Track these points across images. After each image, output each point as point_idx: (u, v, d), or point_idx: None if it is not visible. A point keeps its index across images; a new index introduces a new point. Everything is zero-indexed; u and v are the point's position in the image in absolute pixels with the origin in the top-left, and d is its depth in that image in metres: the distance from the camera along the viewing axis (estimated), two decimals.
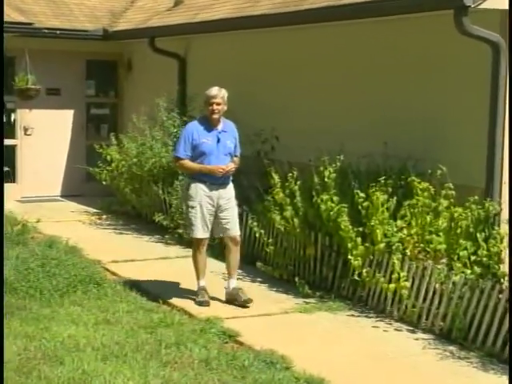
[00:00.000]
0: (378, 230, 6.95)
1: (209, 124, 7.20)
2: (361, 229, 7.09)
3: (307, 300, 7.34)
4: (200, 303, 7.13)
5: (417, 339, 6.41)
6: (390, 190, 7.10)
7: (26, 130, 12.78)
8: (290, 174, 7.84)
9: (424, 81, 7.93)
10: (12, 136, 12.66)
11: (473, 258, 6.56)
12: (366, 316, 6.99)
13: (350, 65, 8.84)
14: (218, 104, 7.11)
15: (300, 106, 9.52)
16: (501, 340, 6.03)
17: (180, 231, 9.34)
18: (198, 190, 7.15)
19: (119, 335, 6.13)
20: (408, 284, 6.74)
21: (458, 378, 5.67)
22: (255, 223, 8.28)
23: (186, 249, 8.93)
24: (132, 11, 13.03)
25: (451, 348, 6.20)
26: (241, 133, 7.47)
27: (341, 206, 7.20)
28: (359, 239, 7.05)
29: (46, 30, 12.00)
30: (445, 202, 6.92)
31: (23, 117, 12.76)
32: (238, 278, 7.51)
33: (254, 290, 7.38)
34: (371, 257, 7.07)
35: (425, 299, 6.68)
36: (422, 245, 6.89)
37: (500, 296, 6.12)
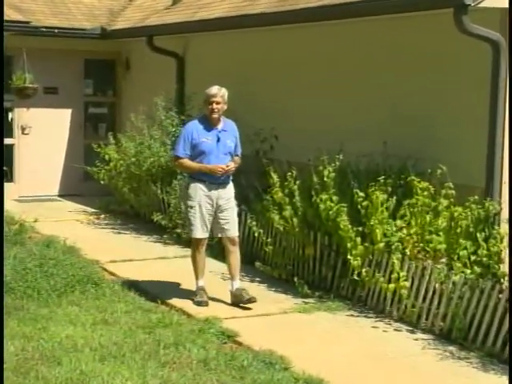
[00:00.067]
0: (377, 230, 6.93)
1: (208, 123, 7.17)
2: (360, 228, 7.07)
3: (306, 300, 7.32)
4: (199, 303, 7.10)
5: (416, 339, 6.39)
6: (390, 189, 7.08)
7: (23, 129, 12.75)
8: (289, 174, 7.82)
9: (424, 80, 7.91)
10: (9, 135, 12.62)
11: (473, 257, 6.54)
12: (365, 316, 6.97)
13: (350, 64, 8.82)
14: (218, 103, 7.08)
15: (299, 105, 9.49)
16: (501, 340, 6.01)
17: (178, 231, 9.33)
18: (197, 190, 7.12)
19: (117, 335, 6.10)
20: (407, 284, 6.72)
21: (457, 379, 5.65)
22: (254, 223, 8.26)
23: (184, 248, 8.91)
24: (130, 10, 13.00)
25: (451, 348, 6.18)
26: (239, 132, 7.45)
27: (340, 205, 7.18)
28: (358, 239, 7.03)
29: (44, 29, 11.98)
30: (445, 202, 6.90)
31: (21, 116, 12.73)
32: None
33: (252, 289, 7.35)
34: (371, 256, 7.05)
35: (424, 299, 6.66)
36: (421, 244, 6.87)
37: (500, 296, 6.10)
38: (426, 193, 6.96)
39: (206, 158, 7.11)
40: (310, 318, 6.88)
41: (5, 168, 12.28)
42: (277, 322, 6.77)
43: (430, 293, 6.63)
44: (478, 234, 6.63)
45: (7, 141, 12.43)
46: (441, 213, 6.89)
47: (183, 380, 5.30)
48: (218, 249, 8.23)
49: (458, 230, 6.70)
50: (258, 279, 7.99)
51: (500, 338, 6.02)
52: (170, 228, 9.59)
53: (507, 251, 6.37)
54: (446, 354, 6.06)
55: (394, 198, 7.07)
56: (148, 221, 10.43)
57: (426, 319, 6.64)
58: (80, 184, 12.92)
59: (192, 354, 5.74)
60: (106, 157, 11.18)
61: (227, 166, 7.11)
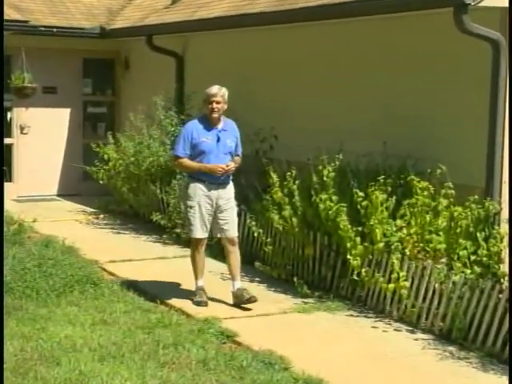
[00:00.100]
0: (377, 230, 6.91)
1: (208, 123, 7.15)
2: (360, 228, 7.06)
3: (306, 300, 7.31)
4: (198, 303, 7.09)
5: (416, 339, 6.38)
6: (390, 189, 7.07)
7: (22, 128, 12.73)
8: (289, 173, 7.80)
9: (424, 79, 7.90)
10: (8, 135, 12.61)
11: (473, 257, 6.53)
12: (365, 316, 6.96)
13: (350, 63, 8.81)
14: (218, 102, 7.06)
15: (299, 105, 9.48)
16: (501, 340, 6.00)
17: (178, 231, 9.31)
18: (197, 190, 7.10)
19: (116, 336, 6.09)
20: (407, 284, 6.71)
21: (457, 379, 5.64)
22: (253, 222, 8.25)
23: (183, 248, 8.90)
24: (129, 9, 12.99)
25: (451, 348, 6.17)
26: (239, 131, 7.43)
27: (340, 205, 7.16)
28: (358, 239, 7.01)
29: (43, 28, 11.96)
30: (444, 202, 6.89)
31: (19, 115, 12.71)
32: None
33: (252, 289, 7.33)
34: (370, 256, 7.04)
35: (424, 299, 6.65)
36: (421, 244, 6.86)
37: (500, 296, 6.09)
38: (425, 192, 6.95)
39: (205, 157, 7.09)
40: (309, 318, 6.87)
41: (4, 168, 12.27)
42: (276, 322, 6.75)
43: (430, 293, 6.62)
44: (478, 234, 6.62)
45: (6, 140, 12.41)
46: (441, 213, 6.87)
47: (182, 380, 5.29)
48: (217, 249, 8.21)
49: (458, 230, 6.69)
50: (257, 279, 7.97)
51: (500, 338, 6.01)
52: (170, 228, 9.58)
53: (507, 251, 6.36)
54: (446, 354, 6.05)
55: (394, 197, 7.06)
56: (147, 221, 10.42)
57: (426, 319, 6.63)
58: (79, 184, 12.91)
59: (191, 354, 5.73)
60: (105, 156, 11.15)
61: (227, 166, 7.09)
